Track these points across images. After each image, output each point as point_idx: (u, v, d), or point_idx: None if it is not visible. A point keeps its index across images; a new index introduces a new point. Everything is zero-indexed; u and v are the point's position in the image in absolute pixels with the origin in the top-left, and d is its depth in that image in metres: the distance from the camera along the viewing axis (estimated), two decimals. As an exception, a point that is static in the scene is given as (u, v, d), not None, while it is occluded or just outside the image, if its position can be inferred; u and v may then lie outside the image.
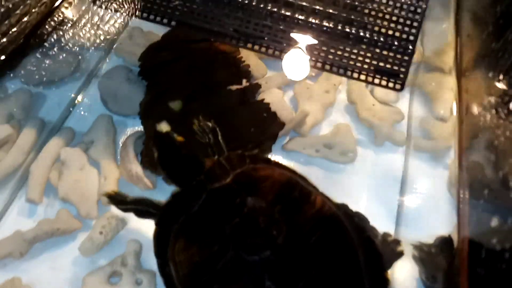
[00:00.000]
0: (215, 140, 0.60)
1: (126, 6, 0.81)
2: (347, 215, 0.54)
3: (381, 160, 0.73)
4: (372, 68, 0.74)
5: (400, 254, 0.59)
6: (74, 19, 0.83)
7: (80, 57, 0.80)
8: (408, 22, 0.73)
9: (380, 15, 0.73)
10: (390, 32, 0.73)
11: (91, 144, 0.71)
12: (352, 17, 0.73)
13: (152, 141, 0.59)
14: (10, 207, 0.66)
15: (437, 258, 0.63)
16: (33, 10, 0.72)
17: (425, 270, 0.62)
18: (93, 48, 0.82)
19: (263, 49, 0.75)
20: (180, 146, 0.57)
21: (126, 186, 0.67)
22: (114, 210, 0.64)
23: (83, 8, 0.85)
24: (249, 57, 0.80)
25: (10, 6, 0.69)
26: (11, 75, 0.77)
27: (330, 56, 0.74)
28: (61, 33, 0.81)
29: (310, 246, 0.50)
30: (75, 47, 0.81)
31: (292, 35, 0.75)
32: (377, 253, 0.53)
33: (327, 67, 0.74)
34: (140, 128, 0.72)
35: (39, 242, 0.63)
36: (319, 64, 0.74)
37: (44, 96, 0.77)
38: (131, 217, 0.64)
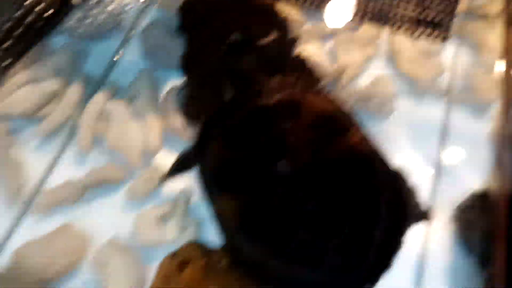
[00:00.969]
0: None
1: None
2: (385, 164, 0.54)
3: (421, 112, 0.72)
4: (414, 18, 0.71)
5: (427, 218, 0.59)
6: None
7: (122, 11, 0.81)
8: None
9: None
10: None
11: (134, 98, 0.73)
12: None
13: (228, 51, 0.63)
14: (61, 157, 0.70)
15: (473, 216, 0.62)
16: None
17: (461, 232, 0.62)
18: (133, 2, 0.83)
19: (302, 0, 0.74)
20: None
21: (169, 137, 0.70)
22: (158, 158, 0.67)
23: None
24: (287, 8, 0.78)
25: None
26: (57, 31, 0.80)
27: (371, 6, 0.72)
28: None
29: (329, 175, 0.50)
30: (116, 2, 0.82)
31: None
32: (403, 212, 0.52)
33: (368, 17, 0.73)
34: (180, 81, 0.74)
35: (90, 189, 0.66)
36: (359, 15, 0.73)
37: (88, 51, 0.79)
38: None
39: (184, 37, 0.76)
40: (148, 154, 0.69)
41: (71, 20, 0.79)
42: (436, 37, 0.71)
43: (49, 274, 0.59)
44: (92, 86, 0.75)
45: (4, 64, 0.73)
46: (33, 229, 0.63)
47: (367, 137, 0.56)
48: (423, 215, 0.60)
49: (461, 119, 0.71)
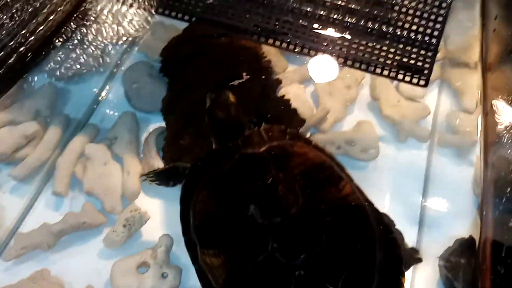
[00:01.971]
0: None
1: (148, 3, 0.82)
2: (376, 212, 0.54)
3: (404, 157, 0.72)
4: (395, 63, 0.73)
5: (418, 260, 0.60)
6: (98, 16, 0.84)
7: (103, 53, 0.81)
8: (433, 17, 0.72)
9: (404, 9, 0.72)
10: (414, 27, 0.72)
11: (114, 140, 0.72)
12: (375, 12, 0.72)
13: (211, 103, 0.62)
14: (37, 200, 0.68)
15: (459, 261, 0.62)
16: (59, 9, 0.74)
17: (447, 277, 0.61)
18: (116, 44, 0.83)
19: (284, 45, 0.75)
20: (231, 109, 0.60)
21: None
22: (138, 203, 0.66)
23: (107, 5, 0.86)
24: (270, 52, 0.79)
25: (38, 5, 0.70)
26: (38, 71, 0.79)
27: (353, 51, 0.73)
28: (85, 30, 0.83)
29: (323, 224, 0.49)
30: (99, 44, 0.82)
31: (314, 30, 0.74)
32: (398, 256, 0.52)
33: (350, 62, 0.73)
34: (162, 124, 0.73)
35: (66, 235, 0.64)
36: (341, 59, 0.74)
37: (69, 92, 0.79)
38: (154, 210, 0.66)
39: (167, 80, 0.77)
40: (127, 197, 0.67)
41: (52, 61, 0.79)
42: (417, 82, 0.72)
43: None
44: (72, 128, 0.75)
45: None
46: (4, 276, 0.61)
47: (358, 187, 0.55)
48: (415, 259, 0.60)
49: (443, 163, 0.72)
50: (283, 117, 0.71)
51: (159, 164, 0.68)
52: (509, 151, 0.65)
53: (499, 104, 0.70)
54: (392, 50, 0.73)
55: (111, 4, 0.85)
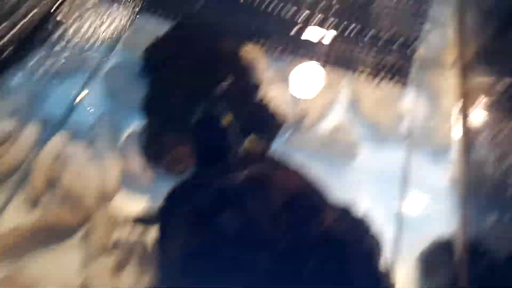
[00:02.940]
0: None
1: (131, 1, 0.81)
2: (362, 242, 0.53)
3: (382, 157, 0.73)
4: (375, 64, 0.74)
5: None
6: (79, 14, 0.84)
7: (84, 53, 0.80)
8: (412, 19, 0.73)
9: (385, 11, 0.73)
10: (394, 28, 0.73)
11: (94, 140, 0.71)
12: (357, 13, 0.73)
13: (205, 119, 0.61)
14: (12, 200, 0.67)
15: (438, 262, 0.62)
16: (36, 8, 0.73)
17: (424, 279, 0.62)
18: (97, 43, 0.83)
19: (266, 46, 0.75)
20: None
21: (127, 180, 0.68)
22: (114, 203, 0.65)
23: (88, 3, 0.85)
24: (252, 53, 0.80)
25: (15, 3, 0.69)
26: (16, 70, 0.78)
27: (334, 52, 0.74)
28: (65, 28, 0.82)
29: (303, 260, 0.49)
30: (79, 43, 0.82)
31: (296, 31, 0.75)
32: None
33: (330, 63, 0.74)
34: (142, 123, 0.73)
35: (41, 235, 0.63)
36: (321, 59, 0.74)
37: (48, 92, 0.77)
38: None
39: (148, 80, 0.76)
40: (105, 198, 0.66)
41: (32, 60, 0.78)
42: (396, 83, 0.73)
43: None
44: (50, 128, 0.73)
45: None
46: (-24, 279, 0.59)
47: (341, 213, 0.55)
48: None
49: (422, 164, 0.72)
50: (262, 123, 0.71)
51: (139, 162, 0.67)
52: (485, 151, 0.66)
53: (475, 106, 0.71)
54: (372, 50, 0.74)
55: (94, 2, 0.85)
